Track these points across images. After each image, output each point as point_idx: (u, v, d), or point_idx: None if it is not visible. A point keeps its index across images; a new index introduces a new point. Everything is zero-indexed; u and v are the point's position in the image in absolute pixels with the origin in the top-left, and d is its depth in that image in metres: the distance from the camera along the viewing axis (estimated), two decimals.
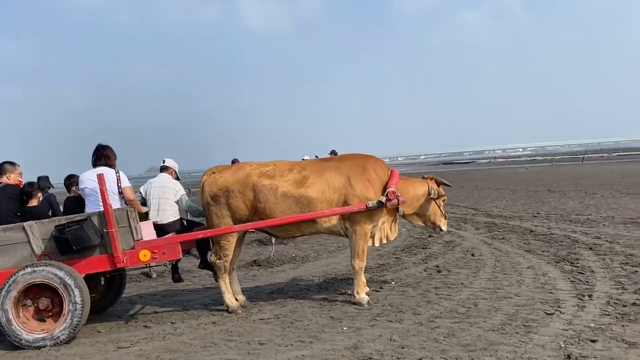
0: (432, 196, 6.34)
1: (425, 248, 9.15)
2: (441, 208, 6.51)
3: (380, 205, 5.85)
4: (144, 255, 5.51)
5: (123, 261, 5.42)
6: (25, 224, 5.35)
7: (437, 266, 7.59)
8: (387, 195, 5.85)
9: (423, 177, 6.61)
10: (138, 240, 5.53)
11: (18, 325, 5.14)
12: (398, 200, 5.90)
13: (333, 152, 12.44)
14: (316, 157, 12.74)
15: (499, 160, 77.40)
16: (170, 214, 6.30)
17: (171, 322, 5.78)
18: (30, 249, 5.34)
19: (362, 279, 6.07)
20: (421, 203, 6.37)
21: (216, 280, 6.23)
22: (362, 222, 5.94)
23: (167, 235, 5.95)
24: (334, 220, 5.98)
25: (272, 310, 5.99)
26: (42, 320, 5.32)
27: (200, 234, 5.98)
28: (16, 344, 5.12)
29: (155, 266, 8.18)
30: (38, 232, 5.34)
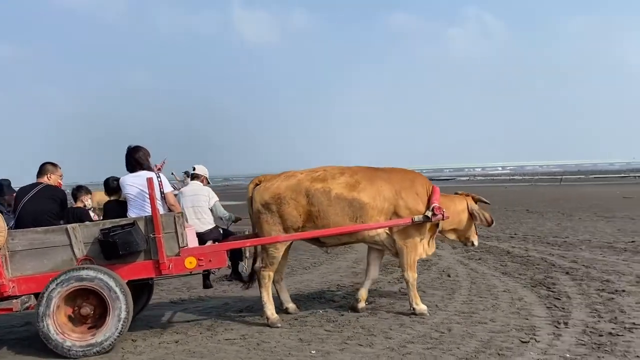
0: (476, 221, 6.44)
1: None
2: (475, 224, 6.56)
3: (426, 219, 5.90)
4: (190, 262, 5.35)
5: (169, 268, 5.23)
6: (68, 226, 5.13)
7: None
8: (432, 210, 5.87)
9: (456, 193, 6.68)
10: (184, 246, 5.33)
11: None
12: (443, 215, 5.92)
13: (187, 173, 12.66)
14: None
15: (479, 178, 77.88)
16: (207, 222, 6.19)
17: (132, 340, 5.50)
18: (71, 252, 5.10)
19: (415, 289, 6.12)
20: (460, 219, 6.43)
21: (260, 289, 6.05)
22: (413, 235, 5.99)
23: (210, 243, 5.84)
24: (383, 233, 6.00)
25: (239, 329, 5.75)
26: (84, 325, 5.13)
27: (248, 242, 5.92)
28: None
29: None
30: (81, 235, 5.11)
